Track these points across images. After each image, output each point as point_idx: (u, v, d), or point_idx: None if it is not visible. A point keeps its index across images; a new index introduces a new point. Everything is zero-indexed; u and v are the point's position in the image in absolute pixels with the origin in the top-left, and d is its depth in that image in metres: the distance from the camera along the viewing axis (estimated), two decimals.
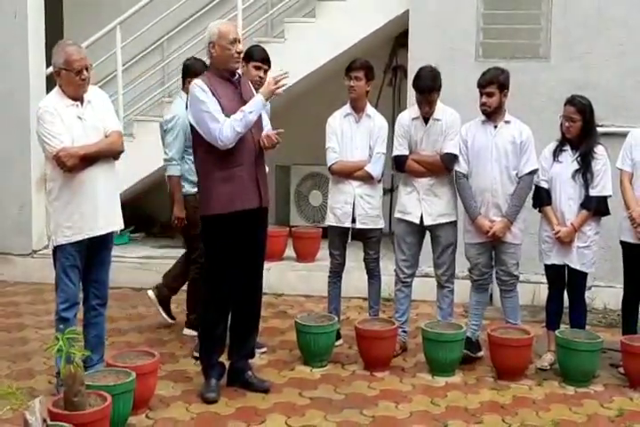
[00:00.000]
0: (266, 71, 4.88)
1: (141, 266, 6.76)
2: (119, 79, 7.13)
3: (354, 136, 4.97)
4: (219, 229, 4.13)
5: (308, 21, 6.86)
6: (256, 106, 4.07)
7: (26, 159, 6.58)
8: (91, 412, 3.37)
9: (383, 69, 7.85)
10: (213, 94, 4.04)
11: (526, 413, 4.08)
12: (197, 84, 4.06)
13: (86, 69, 3.98)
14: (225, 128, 3.98)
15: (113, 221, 4.19)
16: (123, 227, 4.29)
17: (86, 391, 3.45)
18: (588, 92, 5.79)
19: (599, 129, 5.79)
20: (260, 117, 4.20)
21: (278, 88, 4.11)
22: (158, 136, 6.89)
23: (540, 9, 6.14)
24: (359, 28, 6.64)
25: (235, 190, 4.07)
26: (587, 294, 5.97)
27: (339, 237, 5.10)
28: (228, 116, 4.03)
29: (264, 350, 4.98)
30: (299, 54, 6.63)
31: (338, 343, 5.08)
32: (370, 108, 5.03)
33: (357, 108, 4.99)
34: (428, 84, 4.67)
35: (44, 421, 3.10)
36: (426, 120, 4.78)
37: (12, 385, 3.34)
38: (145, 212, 8.06)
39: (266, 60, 4.84)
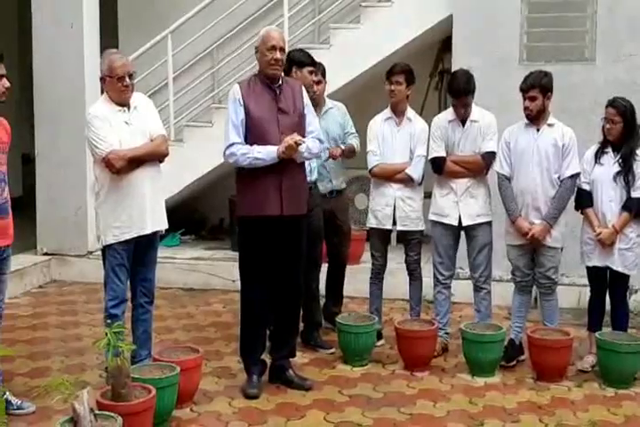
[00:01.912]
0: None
1: (191, 267, 6.94)
2: (170, 86, 7.36)
3: (394, 139, 5.06)
4: (247, 231, 4.31)
5: (354, 27, 6.97)
6: (267, 156, 4.13)
7: (82, 163, 6.80)
8: (136, 403, 3.53)
9: (429, 73, 7.92)
10: (244, 100, 4.19)
11: (564, 413, 4.11)
12: (233, 90, 4.26)
13: (129, 76, 4.15)
14: (231, 154, 4.18)
15: (159, 220, 4.35)
16: (167, 226, 4.44)
17: (132, 384, 3.61)
18: (634, 93, 5.78)
19: None
20: (299, 125, 4.28)
21: (289, 151, 4.11)
22: (207, 141, 7.15)
23: (585, 11, 6.13)
24: (404, 32, 6.72)
25: (256, 197, 4.21)
26: (634, 297, 5.98)
27: (380, 239, 5.18)
28: (253, 120, 4.17)
29: (332, 350, 5.07)
30: (344, 60, 6.74)
31: (379, 344, 5.16)
32: (410, 112, 5.11)
33: (398, 112, 5.07)
34: (463, 87, 4.73)
35: (92, 410, 3.26)
36: (462, 122, 4.84)
37: (63, 377, 3.50)
38: (195, 215, 8.27)
39: (315, 62, 5.03)
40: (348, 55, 6.81)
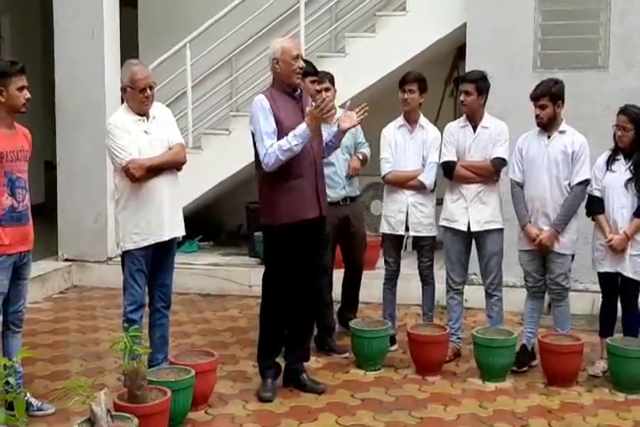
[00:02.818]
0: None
1: (208, 273, 7.04)
2: (189, 95, 7.48)
3: (407, 147, 5.14)
4: (280, 239, 4.35)
5: (369, 36, 7.06)
6: (301, 137, 4.17)
7: (102, 171, 6.92)
8: (151, 405, 3.64)
9: (444, 81, 7.99)
10: (273, 110, 4.25)
11: (573, 417, 4.16)
12: (259, 100, 4.30)
13: (150, 88, 4.26)
14: (270, 155, 4.19)
15: (176, 227, 4.46)
16: (184, 233, 4.54)
17: (148, 386, 3.72)
18: None
19: None
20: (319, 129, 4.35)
21: (324, 114, 4.18)
22: (224, 149, 7.27)
23: (598, 19, 6.18)
24: (418, 41, 6.80)
25: (295, 201, 4.27)
26: None
27: (393, 245, 5.26)
28: (285, 130, 4.23)
29: (346, 355, 5.15)
30: (359, 68, 6.83)
31: (393, 348, 5.23)
32: (423, 120, 5.19)
33: (411, 120, 5.15)
34: (472, 77, 4.90)
35: (109, 411, 3.36)
36: (474, 128, 4.92)
37: (81, 379, 3.60)
38: (213, 221, 8.38)
39: (317, 72, 5.16)
40: (364, 63, 6.89)
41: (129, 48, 7.79)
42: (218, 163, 7.22)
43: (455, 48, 7.56)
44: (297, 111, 4.36)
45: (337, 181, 5.30)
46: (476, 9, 6.45)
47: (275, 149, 4.19)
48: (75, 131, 7.09)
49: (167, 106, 7.21)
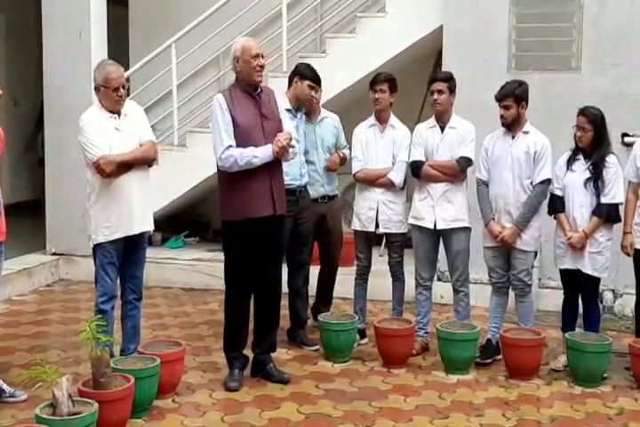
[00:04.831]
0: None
1: (192, 268, 7.19)
2: (174, 94, 7.62)
3: (378, 146, 5.27)
4: (235, 234, 4.50)
5: (349, 36, 7.19)
6: (264, 155, 4.34)
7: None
8: (113, 391, 3.77)
9: (427, 81, 8.09)
10: (230, 109, 4.38)
11: (527, 409, 4.28)
12: (217, 100, 4.44)
13: (123, 87, 4.41)
14: (228, 158, 4.33)
15: (146, 221, 4.60)
16: (154, 228, 4.68)
17: (113, 374, 3.86)
18: (619, 102, 5.97)
19: (630, 139, 5.95)
20: (279, 129, 4.48)
21: (282, 151, 4.34)
22: (209, 147, 7.36)
23: (571, 21, 6.29)
24: (397, 42, 6.93)
25: (248, 200, 4.40)
26: (618, 301, 6.13)
27: (363, 241, 5.40)
28: (241, 130, 4.36)
29: (316, 347, 5.28)
30: (340, 68, 6.94)
31: (363, 342, 5.37)
32: (393, 119, 5.31)
33: (381, 120, 5.28)
34: (444, 76, 5.10)
35: (70, 396, 3.50)
36: (442, 129, 5.06)
37: (45, 366, 3.73)
38: (200, 218, 8.50)
39: (319, 81, 5.29)
40: (344, 64, 7.01)
41: (120, 46, 7.93)
42: (203, 160, 7.32)
43: (438, 49, 7.67)
44: (255, 111, 4.43)
45: (316, 178, 5.45)
46: (452, 11, 6.57)
47: (235, 156, 4.32)
48: (62, 128, 7.20)
49: (154, 104, 7.37)
